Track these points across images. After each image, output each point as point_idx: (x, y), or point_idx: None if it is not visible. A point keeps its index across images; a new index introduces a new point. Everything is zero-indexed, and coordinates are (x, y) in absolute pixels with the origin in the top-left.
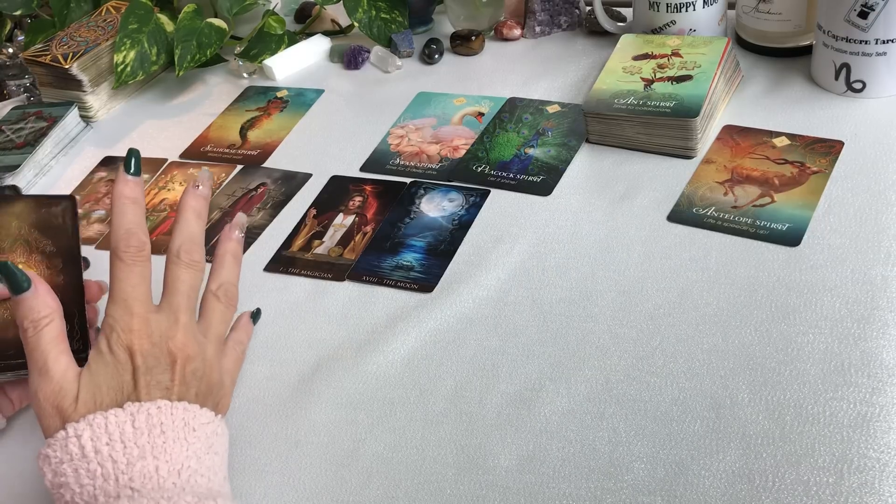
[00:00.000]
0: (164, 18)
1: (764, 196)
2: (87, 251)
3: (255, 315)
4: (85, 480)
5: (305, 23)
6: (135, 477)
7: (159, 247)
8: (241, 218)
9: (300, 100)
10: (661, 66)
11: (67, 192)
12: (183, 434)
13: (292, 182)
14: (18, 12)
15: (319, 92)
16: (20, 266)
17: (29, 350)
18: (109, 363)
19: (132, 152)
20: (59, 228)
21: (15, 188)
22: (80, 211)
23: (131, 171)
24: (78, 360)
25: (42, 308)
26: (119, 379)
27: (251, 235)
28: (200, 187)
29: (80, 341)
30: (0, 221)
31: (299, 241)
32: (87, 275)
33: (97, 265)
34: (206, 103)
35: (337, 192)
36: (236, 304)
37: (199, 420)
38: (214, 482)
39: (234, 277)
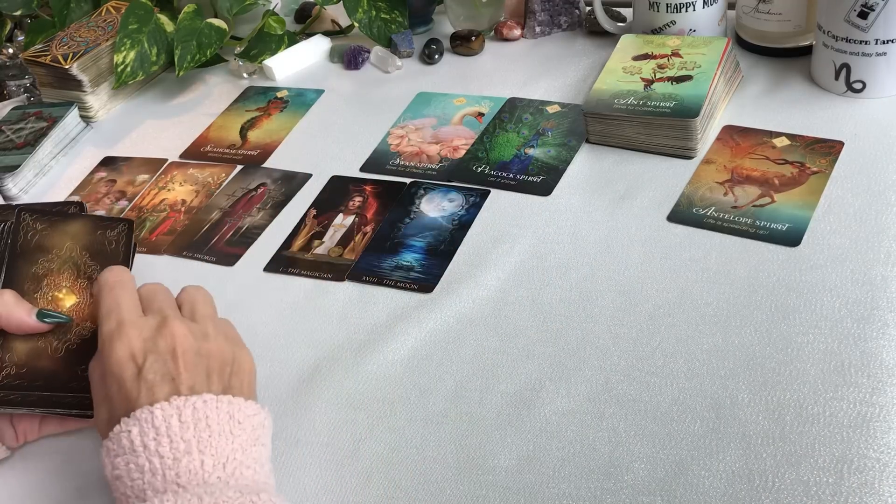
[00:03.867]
0: (164, 18)
1: (764, 196)
2: None
3: None
4: (135, 475)
5: (305, 23)
6: (181, 472)
7: (159, 247)
8: None
9: (300, 100)
10: (661, 67)
11: (67, 192)
12: (228, 427)
13: (292, 182)
14: (18, 12)
15: (319, 92)
16: (65, 290)
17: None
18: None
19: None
20: (110, 254)
21: (81, 205)
22: None
23: None
24: None
25: None
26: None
27: (251, 235)
28: None
29: None
30: (55, 240)
31: (299, 242)
32: None
33: None
34: (206, 103)
35: (337, 192)
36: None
37: (244, 412)
38: (261, 474)
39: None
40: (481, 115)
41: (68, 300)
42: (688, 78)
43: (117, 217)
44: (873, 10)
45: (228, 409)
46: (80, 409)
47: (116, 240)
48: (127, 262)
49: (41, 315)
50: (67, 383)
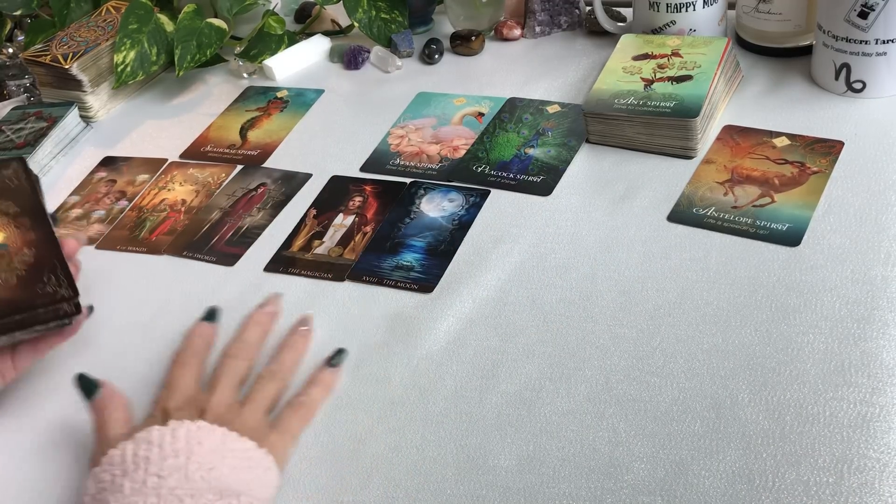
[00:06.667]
0: (164, 18)
1: (764, 196)
2: (86, 251)
3: (336, 358)
4: (119, 480)
5: (305, 23)
6: (164, 468)
7: (159, 247)
8: (304, 319)
9: (300, 100)
10: (661, 66)
11: (67, 192)
12: (220, 449)
13: (292, 182)
14: (18, 12)
15: (319, 92)
16: None
17: (97, 425)
18: (148, 422)
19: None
20: (16, 189)
21: (22, 160)
22: (79, 211)
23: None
24: (70, 305)
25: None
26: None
27: (251, 235)
28: (269, 307)
29: (69, 289)
30: None
31: (299, 242)
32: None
33: (94, 265)
34: (206, 103)
35: (337, 192)
36: (285, 378)
37: (238, 444)
38: (246, 491)
39: (289, 363)
40: (481, 115)
41: None
42: (688, 78)
43: (5, 158)
44: (873, 10)
45: (223, 437)
46: (55, 319)
47: (16, 176)
48: (36, 192)
49: None
50: (32, 302)
